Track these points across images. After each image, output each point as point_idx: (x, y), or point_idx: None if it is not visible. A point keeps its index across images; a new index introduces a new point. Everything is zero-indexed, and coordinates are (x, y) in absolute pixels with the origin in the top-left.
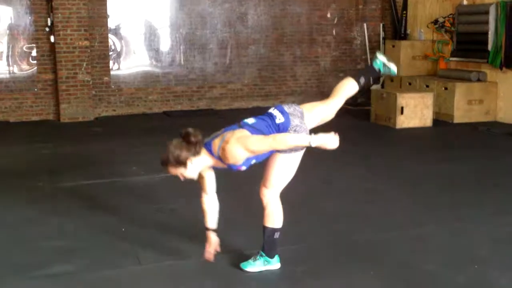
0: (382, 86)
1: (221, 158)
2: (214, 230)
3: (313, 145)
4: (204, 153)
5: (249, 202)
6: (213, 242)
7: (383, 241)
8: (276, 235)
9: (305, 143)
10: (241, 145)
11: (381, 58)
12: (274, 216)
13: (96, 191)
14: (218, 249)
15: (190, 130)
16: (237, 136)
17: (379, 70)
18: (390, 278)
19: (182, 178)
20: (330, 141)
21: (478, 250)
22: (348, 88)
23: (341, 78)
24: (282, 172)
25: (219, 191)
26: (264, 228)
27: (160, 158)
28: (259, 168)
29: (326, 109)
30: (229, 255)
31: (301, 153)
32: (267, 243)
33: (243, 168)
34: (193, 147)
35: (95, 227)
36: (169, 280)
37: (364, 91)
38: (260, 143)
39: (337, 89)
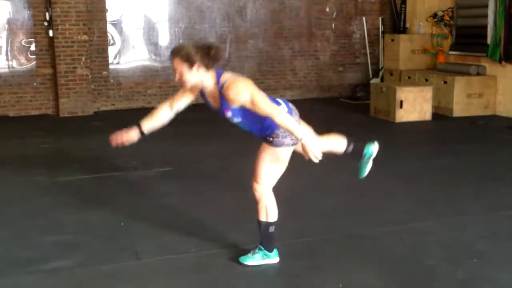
0: (382, 80)
1: (222, 89)
2: (141, 132)
3: (302, 141)
4: (211, 75)
5: (248, 196)
6: (129, 136)
7: (382, 236)
8: (271, 229)
9: (298, 133)
10: (249, 90)
11: (373, 151)
12: (267, 211)
13: (95, 185)
14: (124, 144)
15: (216, 45)
16: (250, 82)
17: (364, 155)
18: (390, 273)
19: (177, 78)
20: (315, 152)
21: (477, 244)
22: (337, 143)
23: (340, 73)
24: (271, 167)
25: (218, 186)
26: (259, 222)
27: (173, 48)
28: None
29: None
30: (228, 249)
31: (290, 149)
32: (263, 237)
33: (229, 114)
34: (208, 60)
35: (94, 222)
36: (168, 274)
37: (361, 84)
38: (266, 103)
39: (330, 135)
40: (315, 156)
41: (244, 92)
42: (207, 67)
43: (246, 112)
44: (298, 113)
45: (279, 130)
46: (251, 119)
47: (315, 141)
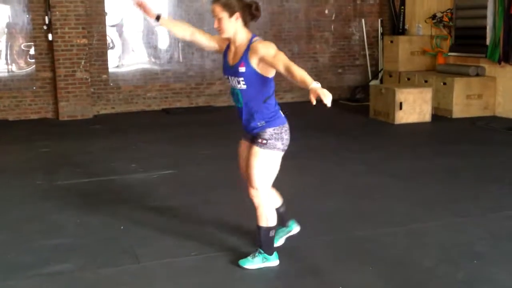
0: (381, 82)
1: (252, 43)
2: (158, 17)
3: (313, 87)
4: (247, 31)
5: (248, 200)
6: (149, 7)
7: (381, 238)
8: (272, 233)
9: (309, 81)
10: (275, 47)
11: (293, 230)
12: (267, 216)
13: (95, 189)
14: (143, 7)
15: (256, 2)
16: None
17: (288, 226)
18: (389, 274)
19: (216, 25)
20: (327, 94)
21: (477, 245)
22: (274, 196)
23: (340, 74)
24: (264, 171)
25: (217, 189)
26: (259, 228)
27: None
28: None
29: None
30: (228, 252)
31: (280, 155)
32: (263, 242)
33: (242, 69)
34: (248, 13)
35: (94, 225)
36: (168, 277)
37: (361, 86)
38: (285, 57)
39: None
40: (327, 100)
41: (272, 46)
42: (246, 20)
43: (256, 79)
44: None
45: (274, 130)
46: (255, 91)
47: (322, 88)
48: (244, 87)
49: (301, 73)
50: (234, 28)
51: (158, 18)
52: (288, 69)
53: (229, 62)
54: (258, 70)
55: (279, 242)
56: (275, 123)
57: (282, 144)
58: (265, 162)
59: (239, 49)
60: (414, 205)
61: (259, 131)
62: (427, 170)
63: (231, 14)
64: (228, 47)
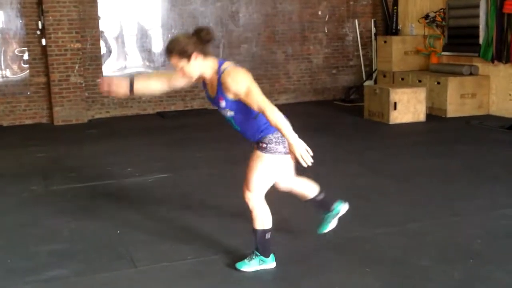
0: (375, 82)
1: (221, 76)
2: (131, 88)
3: (291, 141)
4: (211, 60)
5: (243, 202)
6: (119, 84)
7: (378, 238)
8: (268, 235)
9: (288, 133)
10: (247, 81)
11: (341, 211)
12: (262, 218)
13: (90, 193)
14: (112, 91)
15: (204, 27)
16: (249, 74)
17: (333, 209)
18: (386, 274)
19: (181, 75)
20: (303, 154)
21: (473, 244)
22: (310, 186)
23: (334, 75)
24: (263, 175)
25: (214, 192)
26: (255, 231)
27: (166, 46)
28: None
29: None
30: (225, 255)
31: (283, 158)
32: (260, 244)
33: (223, 104)
34: (201, 45)
35: (90, 230)
36: (165, 282)
37: (355, 86)
38: (260, 96)
39: (304, 178)
40: (304, 157)
41: (242, 81)
42: (204, 52)
43: (239, 106)
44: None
45: (273, 135)
46: (243, 115)
47: (300, 142)
48: (232, 113)
49: (277, 121)
50: (198, 67)
51: (131, 88)
52: (262, 112)
53: (210, 94)
54: (237, 98)
55: (330, 226)
56: (272, 129)
57: (284, 147)
58: (264, 167)
59: (212, 81)
60: (411, 205)
61: (259, 139)
62: (422, 170)
63: (189, 58)
64: (204, 79)
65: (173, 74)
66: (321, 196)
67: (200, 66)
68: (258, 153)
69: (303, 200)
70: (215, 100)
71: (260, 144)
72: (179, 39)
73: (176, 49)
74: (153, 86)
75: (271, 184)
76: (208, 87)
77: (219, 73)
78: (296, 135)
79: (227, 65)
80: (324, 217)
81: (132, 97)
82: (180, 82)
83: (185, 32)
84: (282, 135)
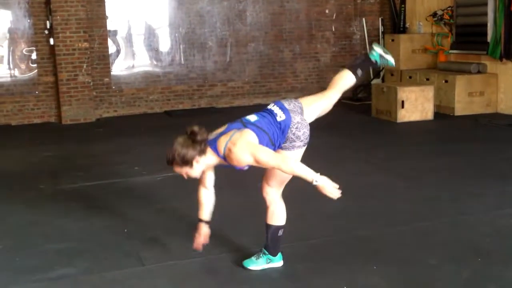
0: (383, 80)
1: (226, 157)
2: (207, 222)
3: (314, 183)
4: (209, 152)
5: (251, 200)
6: (204, 233)
7: (385, 236)
8: (280, 232)
9: (309, 179)
10: (249, 152)
11: (378, 50)
12: (278, 214)
13: (98, 192)
14: (207, 240)
15: (196, 128)
16: (247, 141)
17: (376, 61)
18: (394, 273)
19: (186, 177)
20: (331, 190)
21: (481, 243)
22: (346, 80)
23: None
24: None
25: (222, 189)
26: (268, 226)
27: (166, 157)
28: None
29: (325, 102)
30: (231, 253)
31: (303, 149)
32: (271, 241)
33: (246, 167)
34: (199, 146)
35: (97, 229)
36: (172, 280)
37: (362, 85)
38: (269, 158)
39: (335, 81)
40: (333, 194)
41: (244, 158)
42: (202, 152)
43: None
44: (298, 104)
45: (289, 133)
46: (267, 139)
47: (327, 182)
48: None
49: (292, 171)
50: (201, 167)
51: (207, 222)
52: (278, 169)
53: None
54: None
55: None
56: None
57: (301, 141)
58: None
59: (221, 163)
60: (418, 204)
61: None
62: (430, 168)
63: (191, 165)
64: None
65: (200, 180)
66: (360, 73)
67: (203, 164)
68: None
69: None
70: (237, 170)
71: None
72: (177, 150)
73: (177, 160)
74: (209, 201)
75: (289, 179)
76: (222, 164)
77: (221, 156)
78: (318, 174)
79: (223, 143)
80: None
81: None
82: (210, 177)
83: (179, 137)
84: (305, 180)
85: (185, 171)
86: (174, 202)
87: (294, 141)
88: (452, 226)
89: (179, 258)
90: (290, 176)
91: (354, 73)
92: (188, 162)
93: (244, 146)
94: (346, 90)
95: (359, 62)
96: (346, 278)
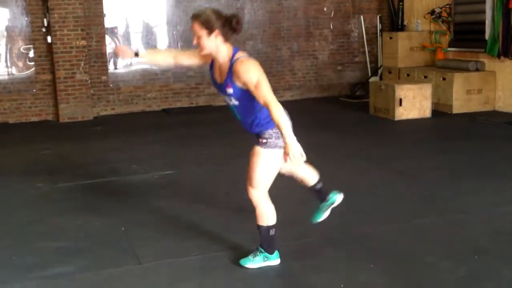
0: (380, 78)
1: (233, 63)
2: (136, 53)
3: (287, 140)
4: (228, 46)
5: (247, 198)
6: (124, 49)
7: (383, 234)
8: (272, 232)
9: (287, 132)
10: (258, 72)
11: (336, 200)
12: (266, 214)
13: (95, 190)
14: (124, 54)
15: (237, 16)
16: (259, 66)
17: (328, 199)
18: (392, 271)
19: (195, 42)
20: (296, 154)
21: (479, 240)
22: (312, 174)
23: (339, 72)
24: (265, 171)
25: (218, 189)
26: (259, 227)
27: (194, 12)
28: None
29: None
30: (228, 251)
31: (281, 152)
32: (264, 241)
33: (230, 91)
34: (228, 29)
35: (95, 227)
36: (169, 278)
37: (360, 83)
38: (268, 90)
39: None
40: (297, 158)
41: (253, 72)
42: (226, 36)
43: (245, 96)
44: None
45: (273, 130)
46: (247, 106)
47: (298, 145)
48: (237, 103)
49: (279, 119)
50: (214, 45)
51: (136, 54)
52: (267, 107)
53: (216, 79)
54: (245, 88)
55: (323, 216)
56: (272, 125)
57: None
58: (265, 162)
59: (222, 67)
60: (416, 201)
61: (259, 132)
62: (428, 166)
63: (210, 32)
64: (212, 62)
65: (181, 53)
66: (320, 185)
67: (217, 46)
68: (258, 148)
69: (302, 185)
70: (222, 87)
71: (260, 140)
72: (208, 12)
73: (202, 17)
74: (159, 59)
75: (272, 180)
76: (215, 71)
77: (232, 60)
78: (294, 137)
79: (242, 54)
80: (319, 206)
81: (140, 60)
82: (186, 61)
83: (218, 10)
84: (281, 133)
85: (200, 34)
86: (171, 200)
87: (279, 138)
88: (450, 224)
89: (176, 256)
90: (273, 176)
91: (318, 180)
92: (208, 26)
93: (257, 67)
94: (296, 176)
95: (324, 186)
96: (344, 276)
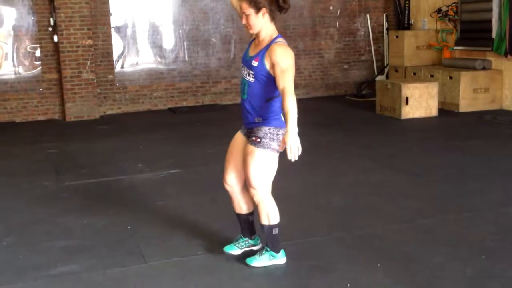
0: (387, 77)
1: (273, 43)
2: None
3: (290, 130)
4: (273, 27)
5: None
6: None
7: (389, 234)
8: (275, 231)
9: (291, 124)
10: (290, 59)
11: (277, 259)
12: (268, 214)
13: (101, 189)
14: None
15: None
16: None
17: (274, 250)
18: (397, 271)
19: (244, 21)
20: (293, 146)
21: (486, 240)
22: (275, 214)
23: (346, 70)
24: (260, 170)
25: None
26: (262, 226)
27: None
28: None
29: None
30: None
31: (276, 156)
32: (268, 240)
33: (255, 63)
34: (274, 7)
35: (100, 226)
36: (175, 277)
37: (367, 81)
38: (291, 78)
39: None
40: (293, 152)
41: (287, 57)
42: (272, 15)
43: (264, 77)
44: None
45: (269, 130)
46: (259, 88)
47: (297, 139)
48: (252, 80)
49: (289, 107)
50: (261, 23)
51: None
52: (282, 94)
53: (249, 52)
54: (269, 70)
55: (238, 252)
56: (271, 123)
57: (278, 145)
58: (260, 161)
59: (261, 43)
60: (423, 201)
61: (255, 127)
62: (435, 165)
63: (258, 10)
64: (253, 40)
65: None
66: (275, 231)
67: (263, 25)
68: (251, 148)
69: (235, 210)
70: (250, 58)
71: (254, 138)
72: None
73: None
74: None
75: (273, 177)
76: (252, 45)
77: (273, 40)
78: (297, 129)
79: (283, 40)
80: (239, 239)
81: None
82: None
83: None
84: (285, 123)
85: (248, 12)
86: (177, 199)
87: (273, 140)
88: (456, 224)
89: (182, 255)
90: (272, 175)
91: (276, 226)
92: (257, 5)
93: (292, 56)
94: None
95: (279, 238)
96: (350, 275)
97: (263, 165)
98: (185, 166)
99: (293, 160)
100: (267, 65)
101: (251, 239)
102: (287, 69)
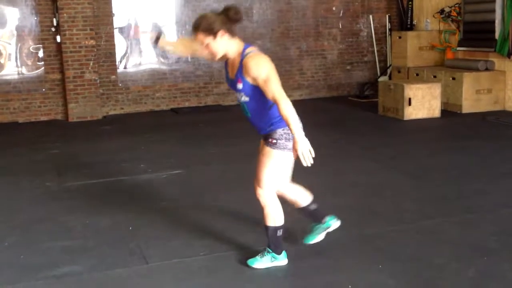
0: (390, 78)
1: (244, 58)
2: (156, 41)
3: (297, 137)
4: (238, 41)
5: (256, 198)
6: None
7: (391, 235)
8: (279, 232)
9: (295, 129)
10: (268, 67)
11: (333, 225)
12: (273, 215)
13: (104, 189)
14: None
15: (233, 6)
16: (270, 63)
17: (324, 222)
18: (399, 272)
19: (206, 51)
20: (305, 151)
21: (487, 241)
22: (304, 194)
23: (348, 71)
24: (274, 171)
25: (226, 189)
26: (266, 227)
27: (193, 21)
28: None
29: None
30: (237, 252)
31: (290, 154)
32: (271, 241)
33: (240, 86)
34: (229, 23)
35: (102, 227)
36: (177, 278)
37: (369, 82)
38: (278, 86)
39: (298, 187)
40: (305, 156)
41: (263, 66)
42: (230, 31)
43: (255, 92)
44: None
45: (283, 130)
46: (257, 103)
47: (307, 142)
48: (247, 99)
49: (287, 114)
50: (224, 46)
51: (158, 38)
52: (276, 102)
53: (229, 74)
54: (254, 84)
55: (317, 238)
56: (283, 123)
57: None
58: (274, 163)
59: (234, 62)
60: (425, 202)
61: (269, 132)
62: (437, 166)
63: (215, 35)
64: (227, 60)
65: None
66: (314, 206)
67: (225, 45)
68: (268, 149)
69: (295, 207)
70: (232, 82)
71: (270, 140)
72: (207, 16)
73: (203, 25)
74: (179, 46)
75: (282, 180)
76: (229, 68)
77: (242, 55)
78: (303, 133)
79: (252, 49)
80: (313, 227)
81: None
82: (201, 52)
83: (213, 10)
84: (289, 130)
85: (207, 42)
86: (179, 200)
87: (289, 140)
88: (458, 225)
89: (183, 256)
90: (282, 177)
91: (312, 201)
92: (212, 31)
93: (268, 62)
94: (287, 198)
95: (319, 208)
96: (352, 276)
97: (277, 166)
98: (187, 167)
99: (309, 165)
100: (250, 81)
101: (322, 223)
102: (268, 78)
